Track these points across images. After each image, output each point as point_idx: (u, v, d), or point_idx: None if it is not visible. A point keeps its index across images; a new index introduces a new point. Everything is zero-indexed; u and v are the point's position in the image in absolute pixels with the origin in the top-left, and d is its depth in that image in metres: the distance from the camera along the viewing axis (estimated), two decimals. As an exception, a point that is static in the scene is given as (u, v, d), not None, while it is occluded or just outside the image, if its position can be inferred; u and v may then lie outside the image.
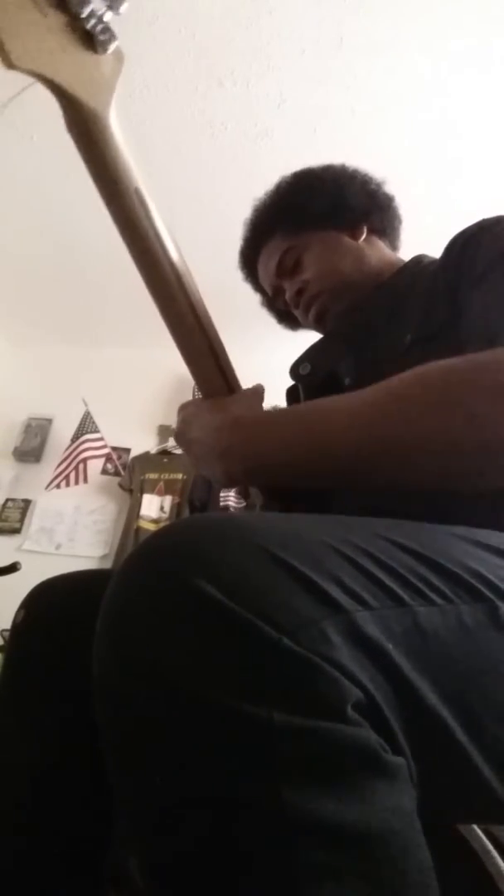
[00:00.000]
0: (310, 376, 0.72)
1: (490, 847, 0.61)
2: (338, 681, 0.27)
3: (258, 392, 0.59)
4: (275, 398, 0.89)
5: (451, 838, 0.59)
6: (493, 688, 0.32)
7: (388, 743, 0.28)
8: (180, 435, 0.60)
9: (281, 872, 0.24)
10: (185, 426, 0.59)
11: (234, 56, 1.68)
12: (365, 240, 0.77)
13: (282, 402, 0.81)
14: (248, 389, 0.58)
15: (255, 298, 0.92)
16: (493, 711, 0.32)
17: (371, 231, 0.78)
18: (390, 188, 0.82)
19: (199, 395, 0.63)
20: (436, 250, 0.71)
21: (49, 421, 3.06)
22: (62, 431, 2.96)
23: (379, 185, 0.80)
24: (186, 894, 0.26)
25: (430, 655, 0.31)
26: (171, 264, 0.51)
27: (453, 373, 0.40)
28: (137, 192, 0.48)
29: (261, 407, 0.57)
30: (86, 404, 2.87)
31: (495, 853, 0.61)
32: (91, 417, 2.86)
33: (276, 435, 0.48)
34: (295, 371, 0.73)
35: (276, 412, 0.53)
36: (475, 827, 0.62)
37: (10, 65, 0.39)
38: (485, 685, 0.32)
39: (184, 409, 0.62)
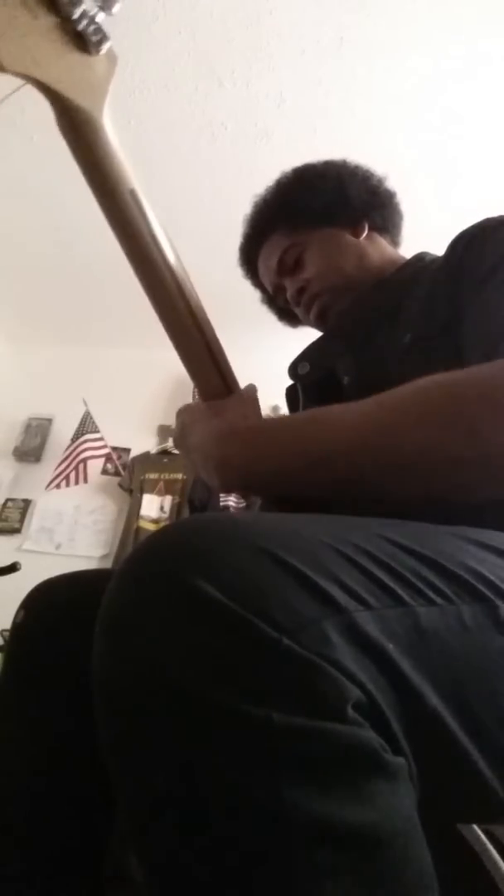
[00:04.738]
0: (308, 375, 0.72)
1: (490, 847, 0.62)
2: (338, 681, 0.27)
3: (252, 395, 0.58)
4: (276, 398, 0.89)
5: (451, 838, 0.59)
6: (494, 688, 0.32)
7: (389, 743, 0.28)
8: (179, 440, 0.60)
9: (280, 872, 0.24)
10: (183, 432, 0.59)
11: (234, 56, 1.68)
12: (366, 237, 0.77)
13: (282, 402, 0.81)
14: (243, 392, 0.58)
15: (256, 298, 0.92)
16: (494, 711, 0.32)
17: (372, 228, 0.78)
18: (389, 185, 0.81)
19: (198, 397, 0.63)
20: (436, 249, 0.71)
21: (49, 421, 3.06)
22: (62, 431, 2.96)
23: (380, 182, 0.80)
24: (186, 894, 0.26)
25: (431, 655, 0.31)
26: (169, 267, 0.51)
27: (454, 386, 0.40)
28: (133, 193, 0.47)
29: (257, 411, 0.56)
30: (86, 404, 2.87)
31: (495, 853, 0.61)
32: (91, 417, 2.86)
33: (272, 446, 0.47)
34: (293, 370, 0.73)
35: (273, 421, 0.52)
36: (475, 827, 0.62)
37: (1, 68, 0.38)
38: (485, 685, 0.32)
39: (181, 413, 0.61)
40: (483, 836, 0.62)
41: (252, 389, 0.61)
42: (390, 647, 0.30)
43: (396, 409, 0.41)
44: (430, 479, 0.40)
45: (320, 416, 0.47)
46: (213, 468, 0.50)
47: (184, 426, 0.59)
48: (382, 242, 0.79)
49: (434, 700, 0.30)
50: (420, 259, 0.73)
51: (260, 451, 0.48)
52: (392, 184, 0.81)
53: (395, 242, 0.82)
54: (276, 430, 0.49)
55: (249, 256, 0.85)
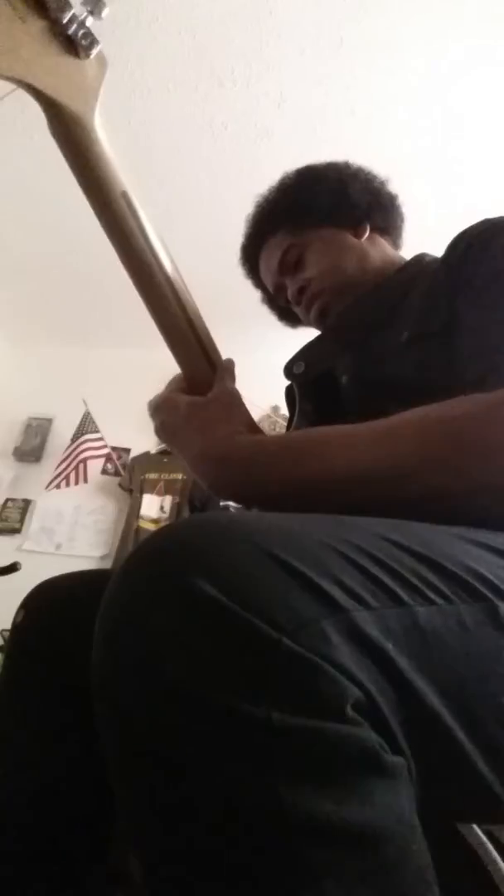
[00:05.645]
0: (304, 374, 0.71)
1: (490, 847, 0.61)
2: (337, 680, 0.27)
3: (235, 393, 0.57)
4: (276, 398, 0.89)
5: (451, 838, 0.59)
6: (493, 687, 0.32)
7: (388, 743, 0.28)
8: (163, 437, 0.60)
9: (280, 873, 0.24)
10: (166, 430, 0.58)
11: (234, 56, 1.68)
12: (368, 238, 0.77)
13: (282, 402, 0.81)
14: (224, 390, 0.57)
15: (255, 297, 0.92)
16: (493, 711, 0.32)
17: (374, 229, 0.78)
18: (391, 188, 0.82)
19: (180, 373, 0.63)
20: (436, 249, 0.71)
21: (49, 421, 3.06)
22: (62, 431, 2.96)
23: (382, 184, 0.80)
24: (186, 894, 0.26)
25: (430, 655, 0.31)
26: (162, 269, 0.51)
27: (446, 424, 0.42)
28: (125, 195, 0.48)
29: (243, 415, 0.56)
30: (86, 404, 2.87)
31: (495, 853, 0.61)
32: (91, 417, 2.86)
33: (265, 475, 0.48)
34: (289, 370, 0.73)
35: (264, 447, 0.51)
36: (475, 827, 0.62)
37: None
38: (485, 685, 0.32)
39: (159, 411, 0.60)
40: (483, 836, 0.62)
41: (229, 365, 0.59)
42: (390, 646, 0.30)
43: (388, 451, 0.43)
44: (422, 507, 0.42)
45: (315, 448, 0.47)
46: (207, 488, 0.52)
47: (164, 426, 0.59)
48: (383, 244, 0.79)
49: (434, 700, 0.30)
50: (420, 260, 0.73)
51: (253, 480, 0.49)
52: (391, 184, 0.82)
53: (396, 245, 0.82)
54: (268, 461, 0.49)
55: (251, 256, 0.85)
